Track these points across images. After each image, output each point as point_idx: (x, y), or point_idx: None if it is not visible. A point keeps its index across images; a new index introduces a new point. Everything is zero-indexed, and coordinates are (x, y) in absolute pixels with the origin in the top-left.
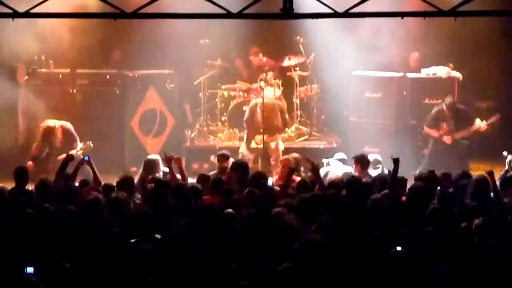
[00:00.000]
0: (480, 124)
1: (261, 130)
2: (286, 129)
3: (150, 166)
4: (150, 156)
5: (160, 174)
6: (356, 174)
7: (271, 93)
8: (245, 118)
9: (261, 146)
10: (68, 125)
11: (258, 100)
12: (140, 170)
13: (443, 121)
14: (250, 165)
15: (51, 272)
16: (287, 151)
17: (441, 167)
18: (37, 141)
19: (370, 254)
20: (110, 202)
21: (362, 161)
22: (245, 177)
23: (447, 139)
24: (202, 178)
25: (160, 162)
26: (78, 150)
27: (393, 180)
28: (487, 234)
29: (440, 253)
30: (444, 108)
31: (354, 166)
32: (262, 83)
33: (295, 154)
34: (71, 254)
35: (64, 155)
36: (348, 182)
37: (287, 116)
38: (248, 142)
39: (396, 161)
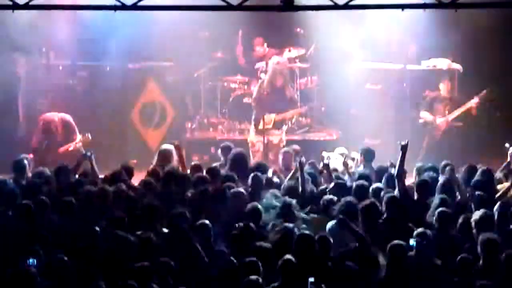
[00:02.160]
0: (471, 101)
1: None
2: (292, 111)
3: (164, 156)
4: (164, 146)
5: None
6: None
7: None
8: (253, 96)
9: (270, 126)
10: (67, 117)
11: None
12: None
13: (439, 103)
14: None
15: (49, 265)
16: (287, 143)
17: (437, 160)
18: (36, 134)
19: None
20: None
21: (366, 154)
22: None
23: (442, 123)
24: (195, 168)
25: (174, 152)
26: (77, 142)
27: (400, 169)
28: (486, 228)
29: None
30: (441, 92)
31: (359, 157)
32: (262, 75)
33: (295, 146)
34: (72, 246)
35: (65, 147)
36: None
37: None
38: (256, 124)
39: (403, 148)
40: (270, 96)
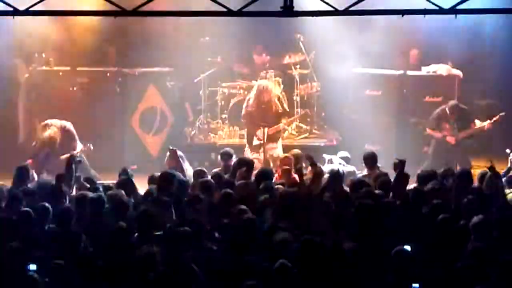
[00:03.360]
0: (483, 123)
1: (260, 123)
2: (285, 120)
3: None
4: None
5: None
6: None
7: (267, 82)
8: (242, 113)
9: (265, 140)
10: (68, 125)
11: (253, 89)
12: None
13: (446, 122)
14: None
15: (47, 270)
16: (287, 149)
17: (444, 165)
18: (37, 140)
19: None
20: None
21: (367, 159)
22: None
23: (451, 140)
24: (198, 174)
25: (182, 155)
26: (78, 152)
27: (396, 182)
28: (485, 232)
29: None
30: (447, 109)
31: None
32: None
33: (295, 150)
34: (69, 252)
35: (66, 155)
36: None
37: (285, 105)
38: (250, 140)
39: (401, 164)
40: (257, 111)
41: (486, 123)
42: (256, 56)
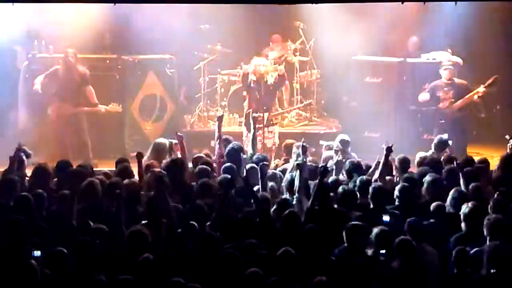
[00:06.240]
0: (478, 89)
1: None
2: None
3: (159, 150)
4: (158, 140)
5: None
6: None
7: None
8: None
9: (261, 125)
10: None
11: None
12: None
13: (441, 91)
14: None
15: (48, 257)
16: (287, 136)
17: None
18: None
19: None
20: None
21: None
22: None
23: (443, 105)
24: (197, 160)
25: (167, 147)
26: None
27: (383, 165)
28: (475, 221)
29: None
30: (442, 81)
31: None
32: (262, 69)
33: (290, 141)
34: (70, 239)
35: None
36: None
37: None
38: (247, 123)
39: (387, 150)
40: (259, 94)
41: (481, 89)
42: (274, 45)
